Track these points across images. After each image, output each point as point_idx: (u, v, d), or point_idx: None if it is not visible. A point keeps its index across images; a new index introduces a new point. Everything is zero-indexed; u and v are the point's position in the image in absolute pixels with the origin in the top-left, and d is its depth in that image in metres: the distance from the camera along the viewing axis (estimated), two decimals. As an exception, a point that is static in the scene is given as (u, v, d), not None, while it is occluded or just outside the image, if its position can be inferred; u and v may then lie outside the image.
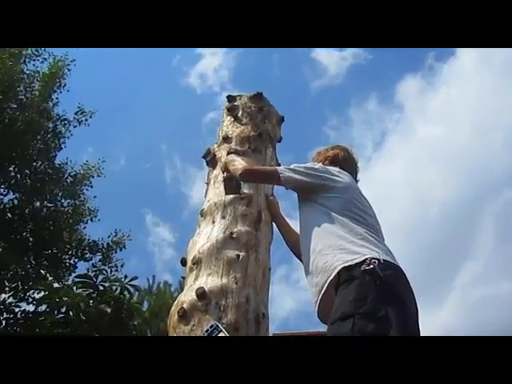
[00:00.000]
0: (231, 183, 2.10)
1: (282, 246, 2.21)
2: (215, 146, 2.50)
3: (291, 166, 1.93)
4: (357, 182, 2.10)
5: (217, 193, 2.20)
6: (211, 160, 2.43)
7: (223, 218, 2.05)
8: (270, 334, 1.97)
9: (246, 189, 2.16)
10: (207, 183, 2.38)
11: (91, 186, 8.96)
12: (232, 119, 2.58)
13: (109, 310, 5.68)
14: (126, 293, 5.95)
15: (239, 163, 2.03)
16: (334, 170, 1.94)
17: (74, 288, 5.94)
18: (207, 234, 2.01)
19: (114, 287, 5.95)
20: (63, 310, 5.63)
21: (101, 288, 5.90)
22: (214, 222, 2.06)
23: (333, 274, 1.60)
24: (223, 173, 2.14)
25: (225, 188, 2.12)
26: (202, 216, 2.16)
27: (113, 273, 6.82)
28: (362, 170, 2.14)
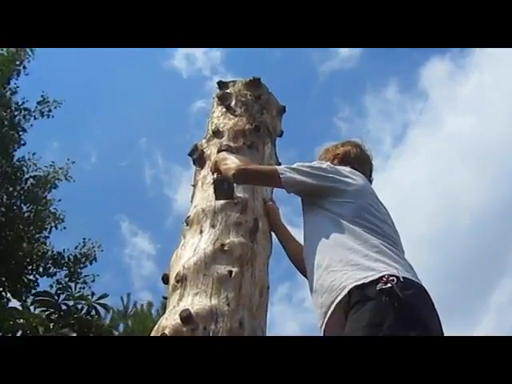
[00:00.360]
0: (222, 186, 2.09)
1: (284, 260, 2.22)
2: (203, 141, 2.50)
3: (294, 166, 1.94)
4: (371, 182, 2.11)
5: (205, 197, 2.20)
6: (199, 158, 2.43)
7: (213, 226, 2.05)
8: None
9: (240, 192, 2.16)
10: (194, 185, 2.38)
11: (55, 188, 8.96)
12: (224, 109, 2.58)
13: (73, 336, 5.65)
14: (93, 313, 5.92)
15: (232, 162, 2.03)
16: (345, 170, 1.95)
17: (32, 308, 5.89)
18: (194, 246, 2.00)
19: (80, 306, 5.92)
20: (18, 334, 5.59)
21: (64, 307, 5.86)
22: (201, 231, 2.06)
23: (342, 294, 1.61)
24: (213, 174, 2.14)
25: (215, 191, 2.12)
26: (187, 224, 2.16)
27: (79, 290, 6.76)
28: (380, 169, 2.16)
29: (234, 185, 2.12)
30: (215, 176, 2.12)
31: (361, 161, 2.12)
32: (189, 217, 2.17)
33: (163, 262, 2.26)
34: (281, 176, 1.90)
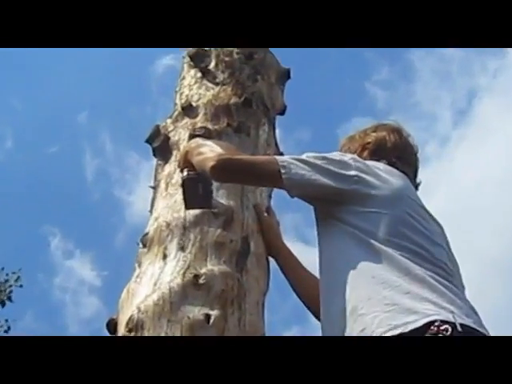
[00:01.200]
0: (195, 188, 2.10)
1: (291, 296, 2.23)
2: (169, 121, 2.52)
3: (303, 157, 1.94)
4: (417, 187, 2.14)
5: (171, 205, 2.22)
6: (162, 146, 2.45)
7: (182, 249, 2.06)
8: None
9: (222, 198, 2.18)
10: (155, 187, 2.40)
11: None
12: (199, 75, 2.61)
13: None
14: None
15: (209, 150, 2.03)
16: (377, 166, 1.97)
17: None
18: (154, 278, 2.02)
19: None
20: None
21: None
22: (165, 256, 2.07)
23: None
24: (182, 170, 2.15)
25: (184, 196, 2.13)
26: (144, 246, 2.17)
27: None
28: (434, 159, 2.19)
29: (213, 188, 2.13)
30: (185, 174, 2.12)
31: (401, 153, 2.13)
32: (147, 234, 2.19)
33: (111, 298, 2.27)
34: (282, 171, 1.88)
